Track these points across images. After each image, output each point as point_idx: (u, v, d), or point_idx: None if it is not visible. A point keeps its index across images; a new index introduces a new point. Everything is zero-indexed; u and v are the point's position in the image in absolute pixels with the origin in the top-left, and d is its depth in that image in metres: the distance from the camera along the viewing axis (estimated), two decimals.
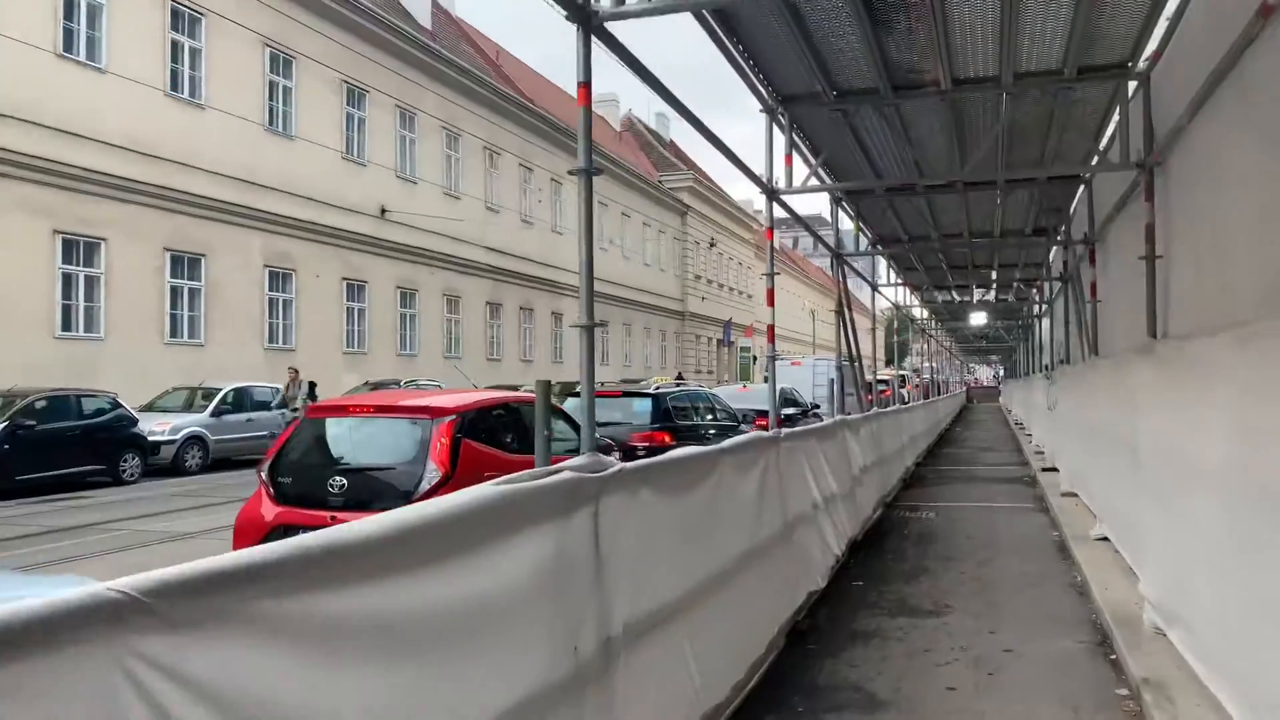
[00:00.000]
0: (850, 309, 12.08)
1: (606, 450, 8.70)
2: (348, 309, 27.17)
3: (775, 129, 8.95)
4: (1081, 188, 12.28)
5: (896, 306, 23.99)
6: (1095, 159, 9.86)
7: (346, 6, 26.22)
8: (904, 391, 36.72)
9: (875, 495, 10.96)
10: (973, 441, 24.56)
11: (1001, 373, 75.74)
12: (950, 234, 14.51)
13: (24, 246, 17.95)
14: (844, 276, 12.03)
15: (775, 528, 5.92)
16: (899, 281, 20.82)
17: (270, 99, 24.21)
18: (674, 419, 11.15)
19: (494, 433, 6.81)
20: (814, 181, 9.91)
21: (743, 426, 13.72)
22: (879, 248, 15.43)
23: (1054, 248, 14.74)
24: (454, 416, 6.33)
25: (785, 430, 6.62)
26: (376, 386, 23.35)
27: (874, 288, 16.19)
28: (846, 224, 13.24)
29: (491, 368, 34.19)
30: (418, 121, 30.31)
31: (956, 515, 11.20)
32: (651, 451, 10.30)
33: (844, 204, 12.06)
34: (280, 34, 24.10)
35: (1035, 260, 16.69)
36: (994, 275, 19.43)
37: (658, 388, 11.73)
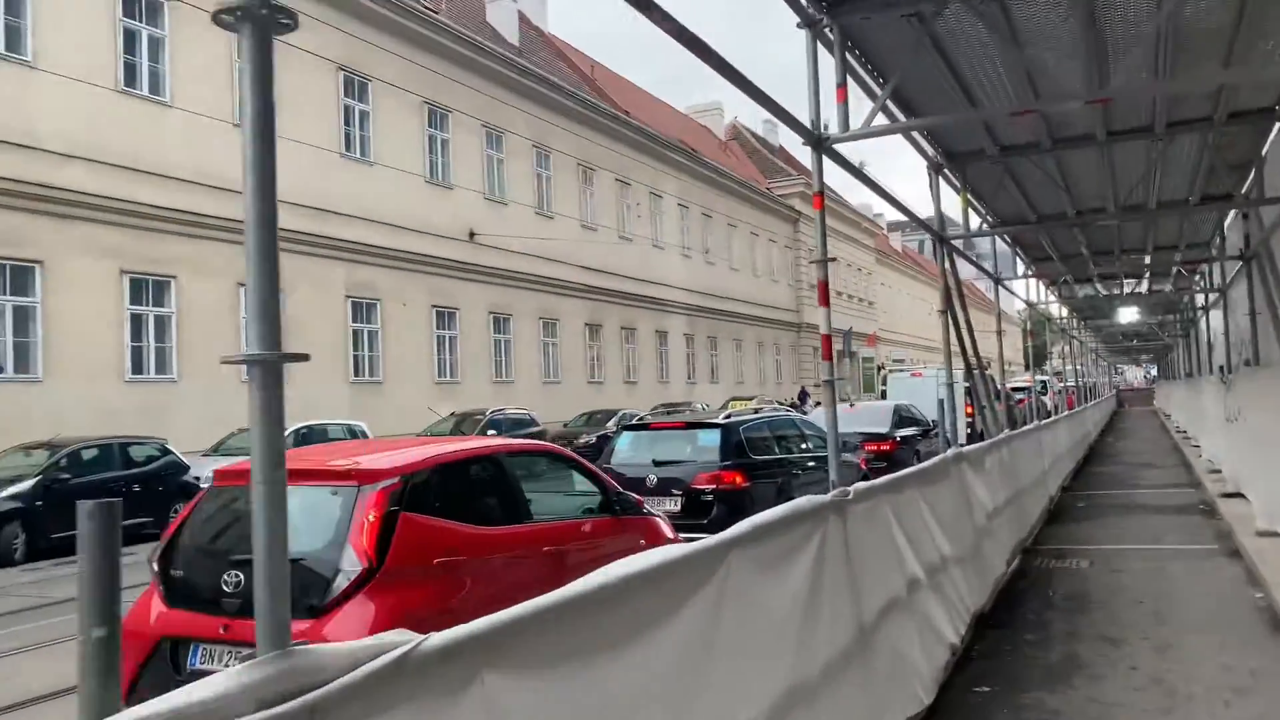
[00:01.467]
0: (964, 305, 9.85)
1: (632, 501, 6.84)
2: (438, 337, 26.17)
3: (820, 47, 6.36)
4: (1278, 127, 9.24)
5: (1030, 304, 21.19)
6: None
7: (424, 25, 25.36)
8: (1045, 400, 33.35)
9: (1010, 542, 8.71)
10: (1128, 455, 21.45)
11: (1154, 373, 69.78)
12: (1091, 209, 11.93)
13: (91, 288, 17.45)
14: (953, 265, 9.78)
15: (842, 641, 3.95)
16: (1030, 273, 17.98)
17: (346, 124, 23.45)
18: (749, 454, 9.18)
19: (462, 499, 5.05)
20: (881, 120, 7.19)
21: (845, 456, 11.59)
22: (991, 226, 12.62)
23: (1231, 216, 11.98)
24: (392, 481, 4.60)
25: (856, 486, 4.62)
26: (464, 419, 22.18)
27: (997, 281, 13.65)
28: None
29: (593, 390, 32.77)
30: (505, 141, 29.25)
31: (1117, 564, 8.82)
32: (720, 496, 8.40)
33: (947, 171, 9.65)
34: (353, 58, 23.33)
35: (1201, 239, 13.89)
36: (1147, 260, 16.53)
37: (727, 416, 9.75)
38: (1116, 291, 19.90)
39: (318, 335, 22.06)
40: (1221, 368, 13.91)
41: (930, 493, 5.96)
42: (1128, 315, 24.40)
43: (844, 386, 51.46)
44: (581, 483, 6.20)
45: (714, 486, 8.69)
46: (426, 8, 25.66)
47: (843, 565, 4.13)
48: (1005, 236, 14.11)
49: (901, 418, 15.46)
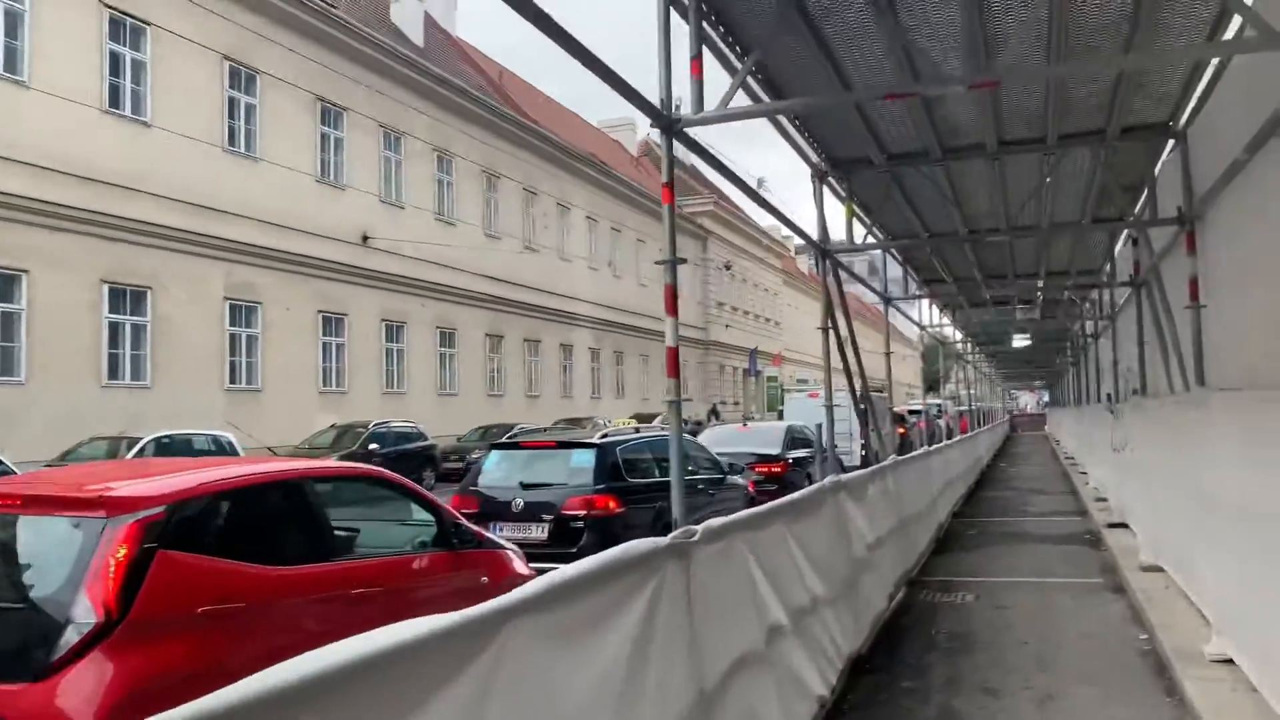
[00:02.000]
0: (849, 321, 9.44)
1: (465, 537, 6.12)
2: (324, 344, 24.93)
3: (675, 16, 5.73)
4: (1171, 143, 8.49)
5: (923, 327, 21.25)
6: (1197, 95, 6.97)
7: (319, 19, 24.23)
8: (940, 423, 33.71)
9: (894, 575, 8.28)
10: (1019, 480, 21.61)
11: (1046, 399, 71.98)
12: (983, 228, 11.66)
13: None
14: (837, 280, 9.33)
15: (673, 716, 3.32)
16: (922, 294, 17.54)
17: (230, 117, 22.16)
18: (625, 476, 8.54)
19: (248, 533, 4.27)
20: (743, 101, 6.58)
21: (731, 479, 11.09)
22: (880, 242, 12.12)
23: (1121, 241, 11.94)
24: (152, 512, 3.79)
25: (707, 525, 4.02)
26: (344, 431, 21.06)
27: (886, 301, 13.36)
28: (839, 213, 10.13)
29: (493, 404, 31.84)
30: (404, 144, 28.21)
31: (1003, 598, 8.47)
32: (592, 522, 7.75)
33: (831, 180, 9.16)
34: (240, 49, 22.08)
35: (1093, 265, 13.90)
36: (1040, 284, 16.57)
37: (603, 436, 9.10)
38: (1009, 318, 20.04)
39: (191, 338, 20.70)
40: (1109, 396, 13.92)
41: (802, 527, 5.41)
42: (1021, 341, 24.75)
43: (747, 405, 51.51)
44: (412, 511, 5.46)
45: (584, 512, 8.02)
46: (323, 2, 24.53)
47: (681, 622, 3.50)
48: (894, 253, 13.80)
49: (794, 439, 15.05)
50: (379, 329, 26.94)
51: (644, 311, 44.49)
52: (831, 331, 9.22)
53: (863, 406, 15.33)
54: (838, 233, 9.46)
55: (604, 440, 8.65)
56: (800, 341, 68.31)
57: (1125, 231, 10.31)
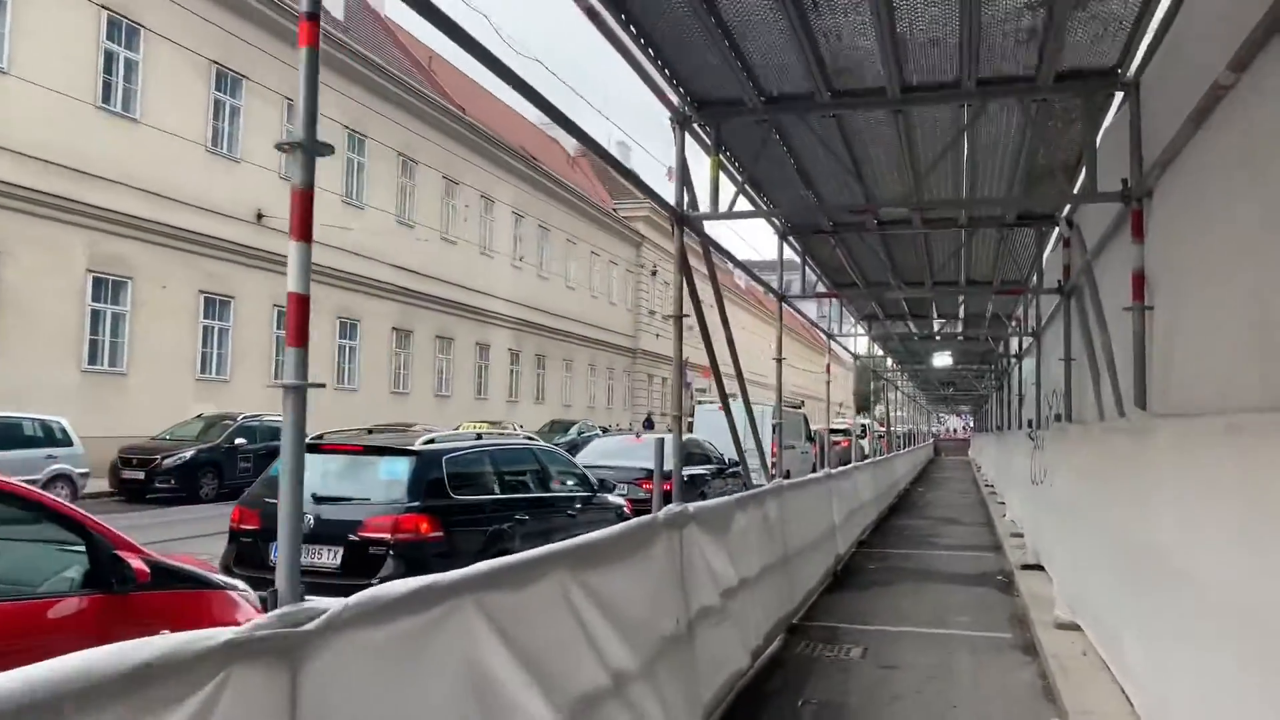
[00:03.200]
0: (720, 304, 8.87)
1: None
2: (205, 328, 22.91)
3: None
4: (1119, 98, 8.08)
5: (856, 356, 20.29)
6: (1151, 31, 5.55)
7: None
8: (864, 444, 32.75)
9: (766, 622, 6.88)
10: (935, 508, 20.55)
11: (971, 423, 72.03)
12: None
13: None
14: (708, 257, 8.76)
15: None
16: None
17: (107, 72, 20.12)
18: (451, 493, 7.01)
19: None
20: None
21: (602, 497, 9.63)
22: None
23: (1050, 246, 11.38)
24: None
25: (367, 596, 2.55)
26: (212, 423, 19.14)
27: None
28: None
29: (396, 402, 29.99)
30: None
31: (894, 654, 7.14)
32: (400, 549, 6.23)
33: (790, 240, 10.95)
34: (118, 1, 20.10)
35: (1017, 275, 13.11)
36: (961, 298, 15.74)
37: (429, 441, 7.52)
38: (930, 334, 19.10)
39: (41, 312, 18.61)
40: (1029, 422, 12.82)
41: (602, 577, 3.96)
42: (942, 360, 23.76)
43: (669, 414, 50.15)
44: (62, 536, 3.89)
45: (389, 535, 6.46)
46: None
47: None
48: (792, 240, 14.05)
49: (690, 453, 13.66)
50: (270, 315, 24.96)
51: (571, 315, 42.97)
52: (698, 319, 8.16)
53: (775, 422, 14.11)
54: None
55: (426, 447, 7.09)
56: (741, 357, 67.24)
57: (1055, 231, 9.31)
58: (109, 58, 20.16)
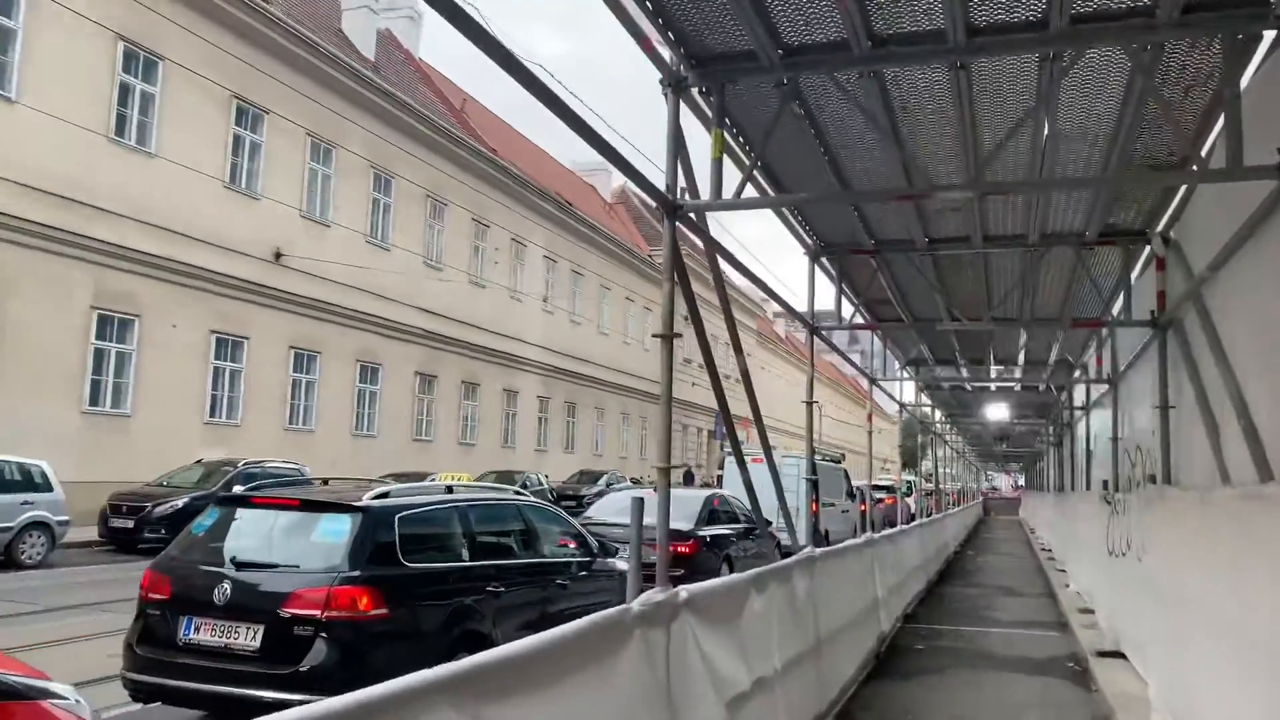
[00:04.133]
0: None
1: None
2: (217, 369, 22.04)
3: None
4: (1147, 250, 8.80)
5: (902, 405, 18.78)
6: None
7: (239, 8, 21.80)
8: (910, 502, 30.93)
9: None
10: (988, 575, 18.83)
11: (1020, 482, 69.27)
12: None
13: None
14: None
15: None
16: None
17: (121, 104, 19.56)
18: (402, 560, 5.73)
19: None
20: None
21: (606, 562, 8.29)
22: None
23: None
24: None
25: None
26: (213, 469, 18.10)
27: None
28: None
29: (419, 450, 28.90)
30: (336, 156, 25.69)
31: None
32: (333, 630, 5.00)
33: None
34: (140, 30, 19.57)
35: (1074, 356, 11.85)
36: (1020, 357, 14.29)
37: (380, 495, 6.23)
38: (985, 384, 17.55)
39: (42, 349, 17.82)
40: (1105, 483, 11.28)
41: (535, 709, 2.65)
42: (997, 412, 22.10)
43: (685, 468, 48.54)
44: None
45: (319, 612, 5.20)
46: None
47: None
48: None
49: (714, 512, 12.28)
50: (286, 356, 24.11)
51: (603, 362, 41.86)
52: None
53: (813, 479, 12.75)
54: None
55: (375, 502, 5.83)
56: (772, 407, 65.70)
57: (1147, 251, 8.00)
58: (124, 90, 19.60)
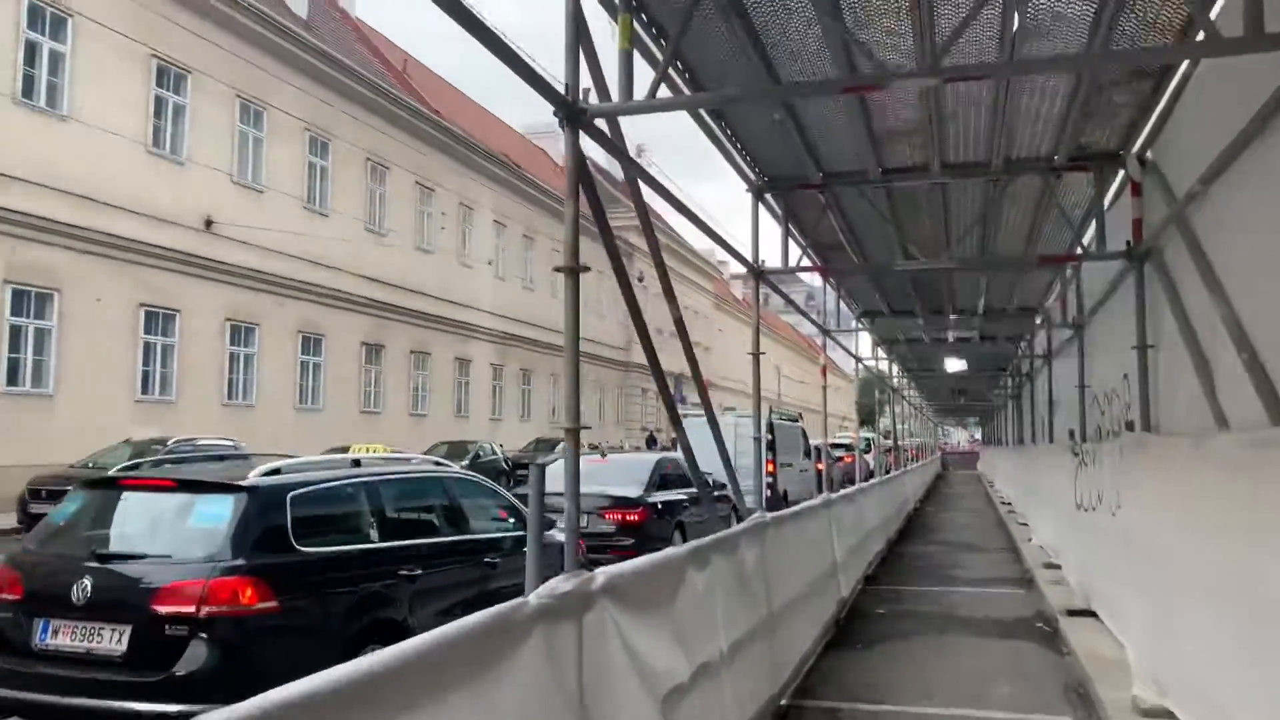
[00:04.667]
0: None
1: None
2: (147, 344, 20.95)
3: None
4: (1121, 174, 7.92)
5: (858, 359, 18.24)
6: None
7: None
8: (869, 459, 30.64)
9: (740, 717, 4.91)
10: (950, 531, 18.55)
11: (978, 436, 69.72)
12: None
13: None
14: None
15: None
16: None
17: (29, 64, 18.29)
18: (297, 543, 5.02)
19: None
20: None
21: (549, 535, 7.63)
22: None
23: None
24: None
25: None
26: (143, 447, 17.15)
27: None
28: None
29: (367, 422, 28.00)
30: (267, 118, 24.48)
31: None
32: (214, 628, 4.30)
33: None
34: None
35: (1036, 301, 11.28)
36: (980, 306, 13.75)
37: (272, 471, 5.47)
38: (943, 337, 17.07)
39: None
40: (1072, 433, 10.83)
41: None
42: (955, 364, 21.70)
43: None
44: None
45: (195, 609, 4.50)
46: None
47: None
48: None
49: (664, 476, 11.70)
50: (222, 329, 23.04)
51: (558, 328, 40.92)
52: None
53: (769, 437, 12.11)
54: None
55: (264, 480, 5.11)
56: (731, 368, 65.31)
57: (1120, 175, 7.33)
58: (30, 49, 18.32)
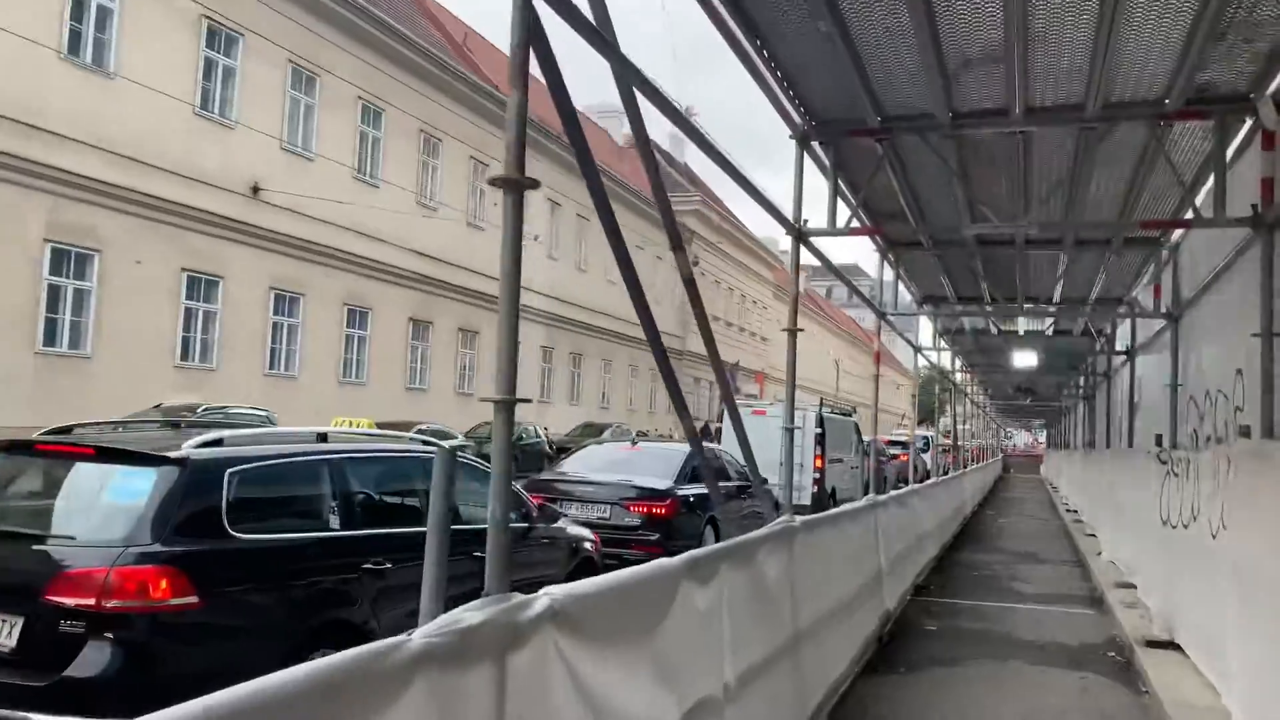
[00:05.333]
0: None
1: None
2: (188, 310, 20.66)
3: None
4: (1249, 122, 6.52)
5: (917, 349, 17.10)
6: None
7: None
8: (925, 458, 29.31)
9: None
10: (1009, 539, 17.34)
11: (1043, 439, 67.31)
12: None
13: None
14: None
15: None
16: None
17: (75, 19, 17.98)
18: (232, 528, 4.24)
19: None
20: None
21: (551, 529, 6.84)
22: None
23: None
24: None
25: None
26: (170, 415, 16.76)
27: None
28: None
29: (411, 398, 27.60)
30: (321, 84, 24.04)
31: None
32: (116, 624, 3.54)
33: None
34: None
35: (1120, 294, 10.09)
36: (1056, 293, 12.55)
37: (210, 442, 4.69)
38: (1013, 330, 15.84)
39: None
40: (1159, 438, 9.64)
41: None
42: (1025, 359, 20.35)
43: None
44: None
45: (93, 601, 3.77)
46: None
47: None
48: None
49: (696, 467, 10.84)
50: (266, 298, 22.69)
51: (611, 312, 40.27)
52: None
53: (819, 431, 11.21)
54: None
55: (198, 452, 4.35)
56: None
57: (1246, 125, 6.16)
58: (78, 2, 18.00)
